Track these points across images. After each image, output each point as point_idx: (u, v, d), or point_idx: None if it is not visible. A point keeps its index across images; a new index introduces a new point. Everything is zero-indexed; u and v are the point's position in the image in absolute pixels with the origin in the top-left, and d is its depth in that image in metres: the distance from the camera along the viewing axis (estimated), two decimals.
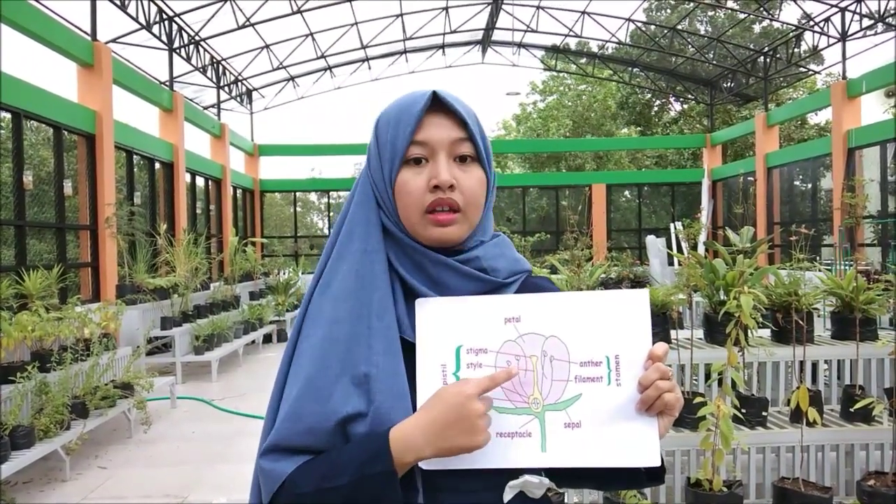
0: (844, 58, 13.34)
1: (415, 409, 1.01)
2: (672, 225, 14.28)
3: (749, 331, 3.02)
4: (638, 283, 8.74)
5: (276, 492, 1.01)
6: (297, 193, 19.62)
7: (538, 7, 15.96)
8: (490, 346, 1.03)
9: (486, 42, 18.11)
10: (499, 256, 1.15)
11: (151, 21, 11.48)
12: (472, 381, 0.98)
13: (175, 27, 12.41)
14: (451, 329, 1.04)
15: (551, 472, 1.07)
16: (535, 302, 1.05)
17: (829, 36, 13.84)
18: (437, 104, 1.08)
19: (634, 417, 0.99)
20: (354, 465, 0.97)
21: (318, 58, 16.14)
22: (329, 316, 1.06)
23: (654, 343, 1.02)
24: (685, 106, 24.15)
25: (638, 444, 0.99)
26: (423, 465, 0.99)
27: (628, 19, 16.28)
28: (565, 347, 1.02)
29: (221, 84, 15.14)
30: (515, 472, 1.04)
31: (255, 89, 17.13)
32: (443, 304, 1.05)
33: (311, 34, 14.91)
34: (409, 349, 1.04)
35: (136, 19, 10.96)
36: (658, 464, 1.00)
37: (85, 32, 9.16)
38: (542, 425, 1.00)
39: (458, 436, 0.96)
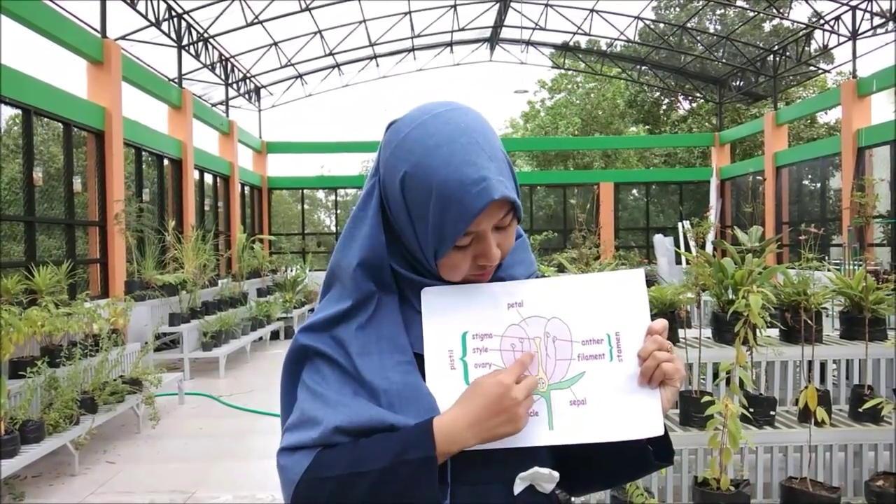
0: (855, 56, 13.25)
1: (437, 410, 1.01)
2: (680, 224, 14.24)
3: (757, 330, 3.01)
4: (646, 281, 8.75)
5: (297, 483, 0.99)
6: (305, 191, 19.64)
7: (546, 5, 15.91)
8: (494, 330, 1.06)
9: (494, 40, 18.07)
10: (517, 264, 1.15)
11: (160, 18, 11.52)
12: (505, 371, 1.01)
13: (184, 24, 12.45)
14: (456, 316, 1.06)
15: (559, 470, 1.07)
16: (535, 286, 1.08)
17: (839, 34, 13.75)
18: None
19: (637, 390, 1.02)
20: (392, 451, 0.97)
21: (326, 55, 16.15)
22: (339, 339, 1.06)
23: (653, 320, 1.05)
24: (694, 104, 24.03)
25: (642, 416, 1.02)
26: None
27: (637, 17, 16.23)
28: (567, 328, 1.05)
29: (230, 81, 15.17)
30: (525, 464, 1.05)
31: (264, 87, 17.17)
32: (447, 292, 1.07)
33: (320, 32, 14.92)
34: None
35: (145, 16, 11.01)
36: (661, 433, 1.02)
37: (94, 29, 9.20)
38: (548, 404, 1.03)
39: (501, 425, 0.99)
